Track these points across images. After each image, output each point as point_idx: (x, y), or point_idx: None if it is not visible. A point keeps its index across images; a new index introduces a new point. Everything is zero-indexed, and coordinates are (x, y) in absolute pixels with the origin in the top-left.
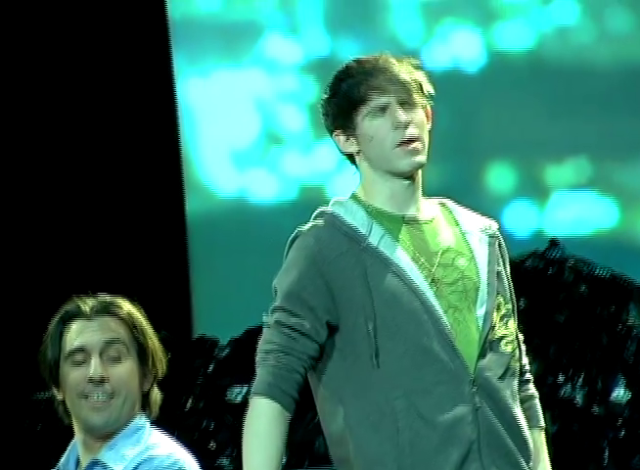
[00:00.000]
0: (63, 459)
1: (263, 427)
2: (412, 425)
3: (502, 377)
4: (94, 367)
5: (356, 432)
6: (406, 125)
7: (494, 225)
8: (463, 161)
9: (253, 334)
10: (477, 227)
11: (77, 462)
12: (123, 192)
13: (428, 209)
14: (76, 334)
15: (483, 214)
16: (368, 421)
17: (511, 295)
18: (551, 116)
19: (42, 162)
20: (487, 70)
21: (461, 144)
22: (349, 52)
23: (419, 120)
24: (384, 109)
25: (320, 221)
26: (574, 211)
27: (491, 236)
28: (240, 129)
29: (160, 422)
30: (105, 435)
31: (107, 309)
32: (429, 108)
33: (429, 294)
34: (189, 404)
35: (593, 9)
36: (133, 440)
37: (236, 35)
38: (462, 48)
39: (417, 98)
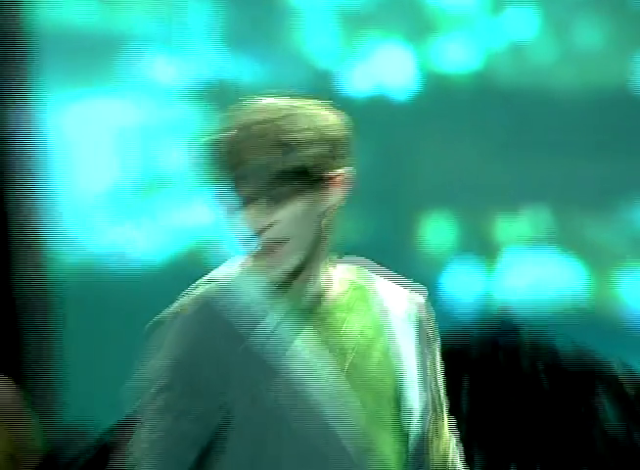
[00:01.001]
0: None
1: None
2: None
3: None
4: None
5: None
6: (262, 231)
7: (420, 296)
8: (391, 210)
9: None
10: (397, 301)
11: None
12: None
13: (336, 286)
14: None
15: (415, 280)
16: None
17: (441, 383)
18: (502, 154)
19: None
20: (422, 96)
21: (389, 189)
22: (250, 74)
23: (288, 217)
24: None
25: (191, 307)
26: (530, 273)
27: (416, 310)
28: (103, 173)
29: None
30: None
31: None
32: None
33: (332, 411)
34: None
35: (555, 20)
36: None
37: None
38: (390, 69)
39: (292, 187)
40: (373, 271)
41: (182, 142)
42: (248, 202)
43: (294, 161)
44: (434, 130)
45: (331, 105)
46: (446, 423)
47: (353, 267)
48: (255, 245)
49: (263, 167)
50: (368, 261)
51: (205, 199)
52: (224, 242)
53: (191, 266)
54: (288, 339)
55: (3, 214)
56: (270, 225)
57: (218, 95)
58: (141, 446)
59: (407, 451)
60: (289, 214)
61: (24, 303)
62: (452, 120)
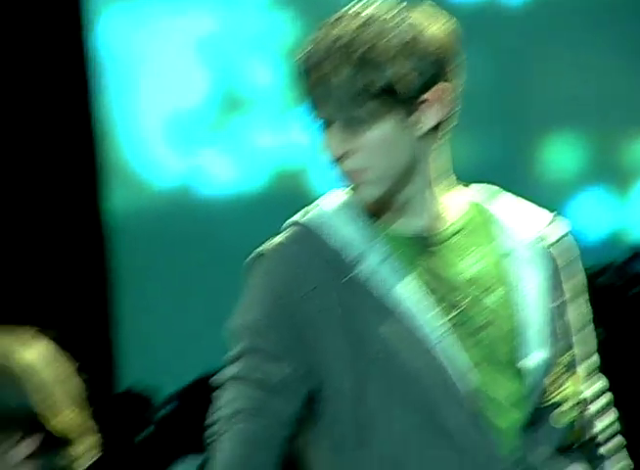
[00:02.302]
0: None
1: None
2: None
3: (554, 461)
4: None
5: None
6: (340, 159)
7: (559, 228)
8: (508, 132)
9: (205, 385)
10: (527, 237)
11: None
12: (14, 184)
13: (452, 215)
14: None
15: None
16: None
17: (582, 335)
18: (637, 65)
19: None
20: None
21: (505, 108)
22: None
23: (368, 146)
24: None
25: (291, 238)
26: None
27: (551, 247)
28: (182, 91)
29: None
30: None
31: None
32: (420, 105)
33: (442, 347)
34: None
35: None
36: None
37: None
38: None
39: (370, 112)
40: (500, 197)
41: (269, 57)
42: (326, 126)
43: (377, 78)
44: (555, 40)
45: (438, 12)
46: (580, 381)
47: (474, 192)
48: (337, 173)
49: (342, 86)
50: (493, 187)
51: (296, 118)
52: (316, 166)
53: (280, 194)
54: (393, 274)
55: (87, 130)
56: (347, 153)
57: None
58: (222, 415)
59: (523, 397)
60: (368, 142)
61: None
62: (577, 27)
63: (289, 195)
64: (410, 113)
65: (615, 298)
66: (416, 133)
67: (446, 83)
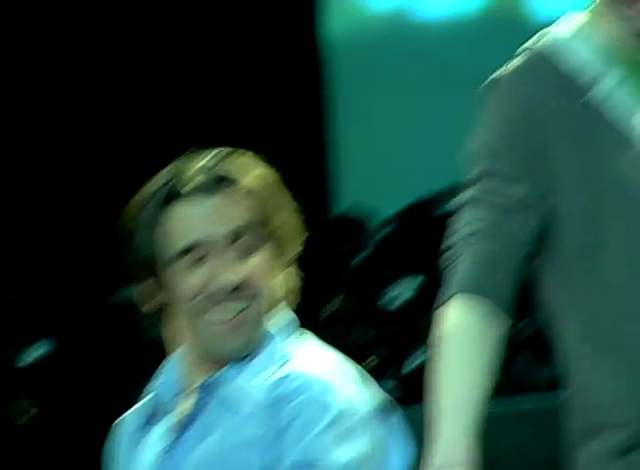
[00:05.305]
0: (158, 381)
1: (469, 338)
2: None
3: None
4: (222, 270)
5: (577, 364)
6: None
7: None
8: None
9: (422, 209)
10: None
11: (178, 384)
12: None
13: None
14: (185, 224)
15: None
16: (590, 346)
17: None
18: None
19: None
20: None
21: None
22: None
23: None
24: None
25: (525, 65)
26: None
27: None
28: None
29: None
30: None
31: (221, 185)
32: None
33: None
34: (333, 307)
35: None
36: (269, 353)
37: None
38: None
39: None
40: None
41: None
42: None
43: None
44: None
45: None
46: None
47: None
48: None
49: None
50: None
51: None
52: None
53: (498, 16)
54: (629, 98)
55: None
56: None
57: None
58: (459, 237)
59: None
60: None
61: None
62: None
63: (506, 17)
64: None
65: None
66: None
67: None
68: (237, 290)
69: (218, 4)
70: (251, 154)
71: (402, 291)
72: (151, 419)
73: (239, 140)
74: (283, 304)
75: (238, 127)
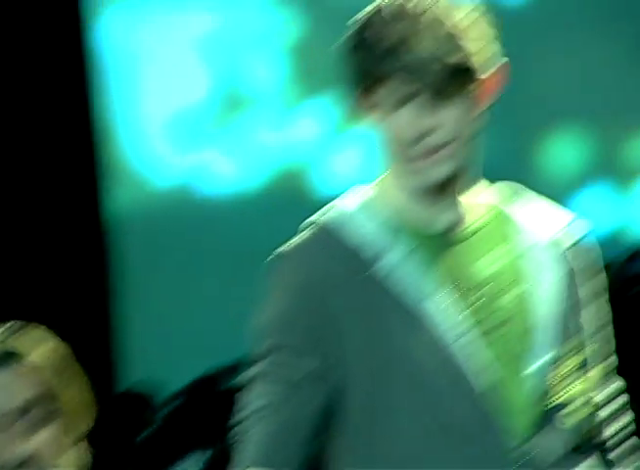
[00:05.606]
0: None
1: None
2: None
3: (565, 461)
4: (9, 445)
5: None
6: (423, 134)
7: (577, 229)
8: (509, 129)
9: (208, 383)
10: (544, 239)
11: None
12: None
13: (472, 213)
14: None
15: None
16: None
17: (600, 336)
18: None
19: None
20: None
21: (507, 105)
22: None
23: (452, 120)
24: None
25: (310, 239)
26: None
27: (569, 249)
28: (183, 89)
29: None
30: None
31: (9, 360)
32: (486, 79)
33: (458, 346)
34: None
35: None
36: None
37: None
38: None
39: (457, 85)
40: (520, 195)
41: (271, 55)
42: (407, 100)
43: (461, 54)
44: (559, 36)
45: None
46: (592, 382)
47: (495, 190)
48: (410, 150)
49: (434, 59)
50: (516, 185)
51: (298, 116)
52: (318, 165)
53: (282, 193)
54: (413, 272)
55: (87, 129)
56: (433, 128)
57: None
58: (248, 412)
59: (532, 396)
60: (451, 116)
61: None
62: (580, 24)
63: (290, 194)
64: (475, 91)
65: (614, 298)
66: (474, 114)
67: (501, 64)
68: (23, 465)
69: None
70: (42, 328)
71: (190, 466)
72: None
73: (23, 313)
74: None
75: (22, 302)
